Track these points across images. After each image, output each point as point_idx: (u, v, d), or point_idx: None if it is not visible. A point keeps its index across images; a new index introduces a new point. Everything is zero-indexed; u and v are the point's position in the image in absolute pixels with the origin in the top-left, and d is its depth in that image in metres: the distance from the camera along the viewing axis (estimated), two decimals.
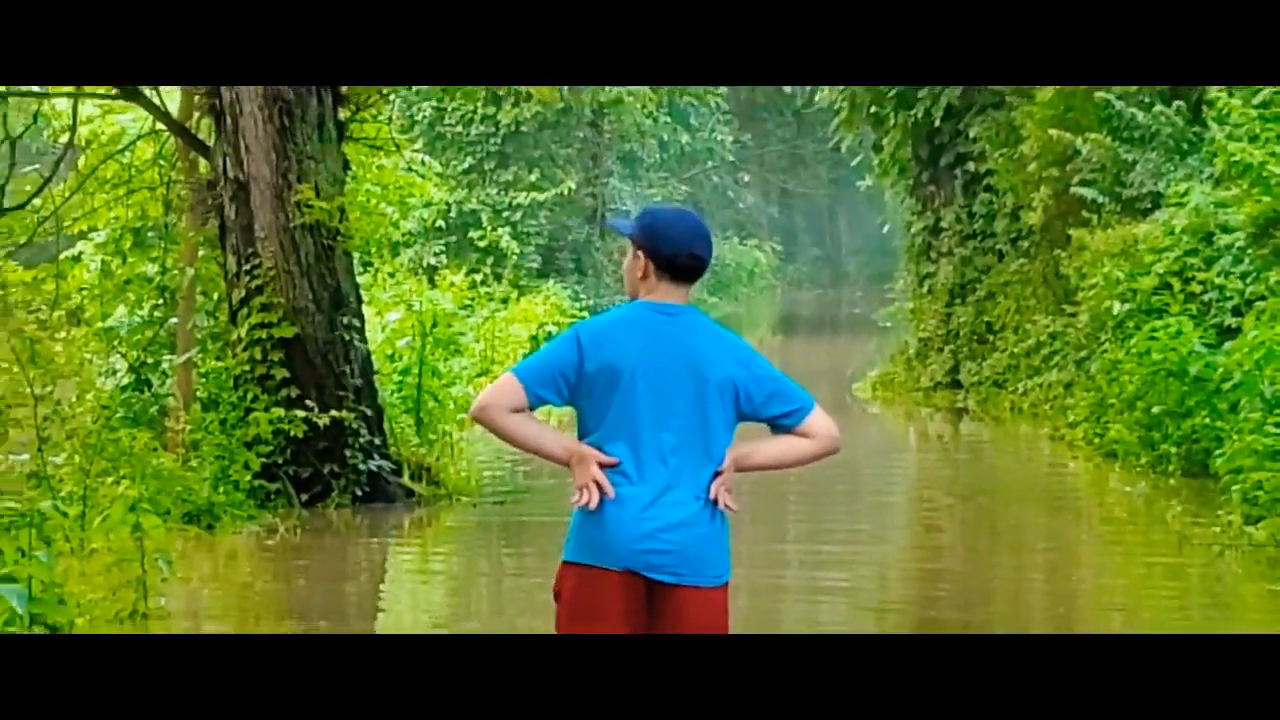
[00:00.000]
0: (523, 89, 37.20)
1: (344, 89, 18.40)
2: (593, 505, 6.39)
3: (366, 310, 20.08)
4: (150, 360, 19.95)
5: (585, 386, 6.51)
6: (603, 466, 6.43)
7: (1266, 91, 20.14)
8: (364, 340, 18.74)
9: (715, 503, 6.48)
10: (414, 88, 30.70)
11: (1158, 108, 23.66)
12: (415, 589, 16.15)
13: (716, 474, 6.49)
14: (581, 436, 6.59)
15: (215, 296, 19.20)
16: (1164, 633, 11.14)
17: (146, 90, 18.55)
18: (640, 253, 6.63)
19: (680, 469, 6.48)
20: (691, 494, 6.46)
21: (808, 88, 37.39)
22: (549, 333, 32.25)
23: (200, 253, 19.20)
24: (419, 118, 42.60)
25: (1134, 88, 23.65)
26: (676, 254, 6.55)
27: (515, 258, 42.41)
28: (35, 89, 19.58)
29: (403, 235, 31.48)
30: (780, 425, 6.64)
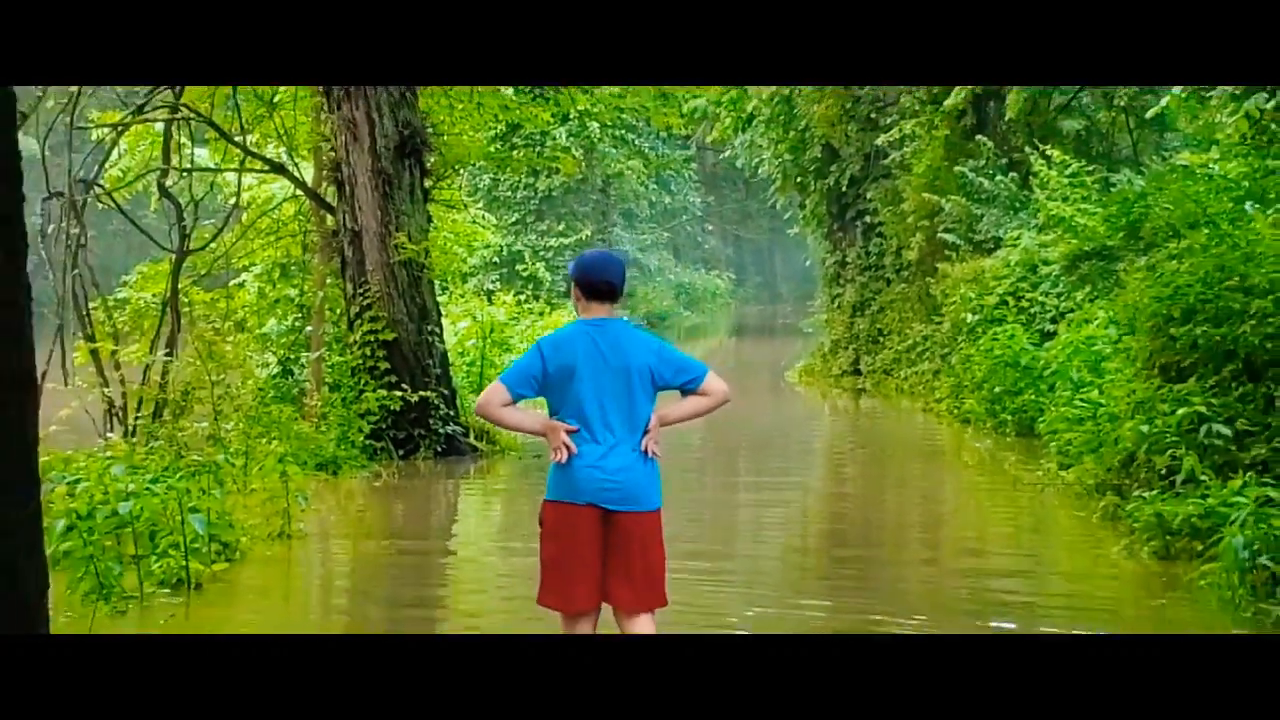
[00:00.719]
0: (552, 165, 43.74)
1: (429, 164, 22.35)
2: (563, 460, 8.61)
3: (444, 321, 23.87)
4: (292, 356, 23.74)
5: (549, 382, 8.72)
6: (567, 433, 8.58)
7: (1075, 165, 24.66)
8: (442, 342, 22.72)
9: (646, 453, 8.64)
10: (478, 163, 33.67)
11: (998, 177, 27.94)
12: (478, 514, 19.50)
13: (645, 432, 8.65)
14: (551, 415, 8.77)
15: (338, 311, 22.53)
16: (1153, 632, 11.22)
17: (289, 166, 22.48)
18: (574, 285, 8.84)
19: (619, 432, 8.63)
20: (628, 448, 8.62)
21: (756, 163, 40.16)
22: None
23: (327, 281, 22.76)
24: (480, 185, 51.02)
25: (984, 161, 28.21)
26: (592, 283, 8.77)
27: (547, 283, 50.93)
28: (210, 166, 23.70)
29: (469, 268, 37.66)
30: (687, 389, 8.84)
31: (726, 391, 8.88)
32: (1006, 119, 28.40)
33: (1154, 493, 14.60)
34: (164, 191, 22.67)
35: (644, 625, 8.70)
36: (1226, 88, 12.61)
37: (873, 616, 12.57)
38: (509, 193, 55.23)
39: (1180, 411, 14.95)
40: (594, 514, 8.61)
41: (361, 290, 21.71)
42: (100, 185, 21.53)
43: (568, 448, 8.59)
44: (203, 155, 25.38)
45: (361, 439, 20.91)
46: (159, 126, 23.04)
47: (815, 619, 12.55)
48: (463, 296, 34.37)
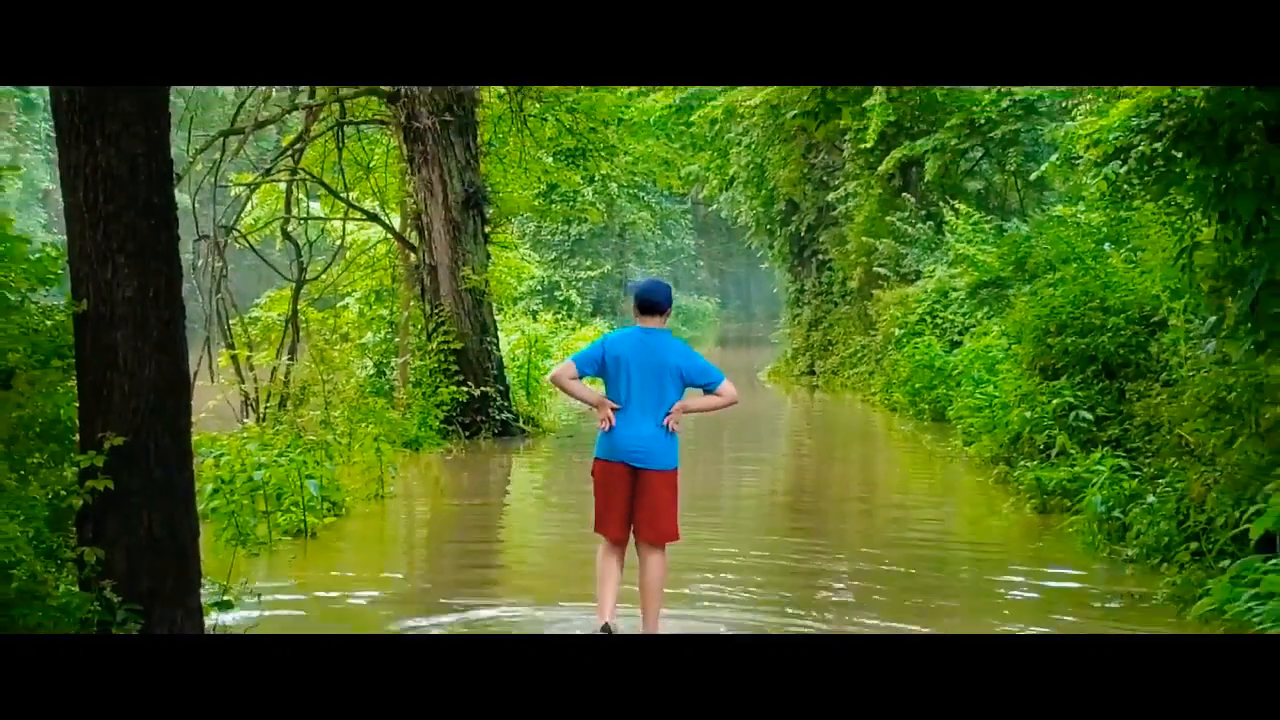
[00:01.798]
0: (582, 215, 44.65)
1: (488, 214, 22.66)
2: (606, 429, 8.96)
3: (499, 333, 23.90)
4: (384, 361, 23.71)
5: (605, 368, 9.02)
6: (611, 409, 8.93)
7: (976, 216, 25.10)
8: (498, 349, 22.82)
9: (667, 428, 8.87)
10: (525, 213, 34.28)
11: (919, 225, 28.00)
12: (527, 479, 19.64)
13: (668, 414, 8.91)
14: (606, 393, 9.03)
15: (419, 327, 22.37)
16: (1158, 633, 10.46)
17: (382, 215, 22.97)
18: (632, 301, 9.27)
19: (649, 411, 8.93)
20: (654, 423, 8.90)
21: (736, 214, 40.59)
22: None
23: (410, 303, 22.72)
24: (527, 230, 50.69)
25: (908, 212, 28.26)
26: (640, 300, 9.18)
27: (578, 306, 50.93)
28: (321, 215, 24.21)
29: (518, 294, 37.24)
30: (706, 389, 9.12)
31: (736, 395, 9.25)
32: (925, 180, 28.46)
33: (1034, 463, 14.75)
34: (286, 235, 22.71)
35: (656, 557, 9.03)
36: (1091, 158, 12.63)
37: (821, 540, 13.72)
38: (549, 236, 55.12)
39: (1055, 401, 15.08)
40: (625, 470, 8.95)
41: (436, 310, 21.72)
42: (237, 230, 21.56)
43: (609, 420, 8.93)
44: (315, 207, 25.45)
45: (437, 423, 20.91)
46: (282, 185, 23.10)
47: (780, 546, 13.26)
48: (514, 316, 34.37)
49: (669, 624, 9.28)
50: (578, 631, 9.40)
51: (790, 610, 10.29)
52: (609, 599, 8.97)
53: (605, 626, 8.86)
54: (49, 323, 7.85)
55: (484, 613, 10.33)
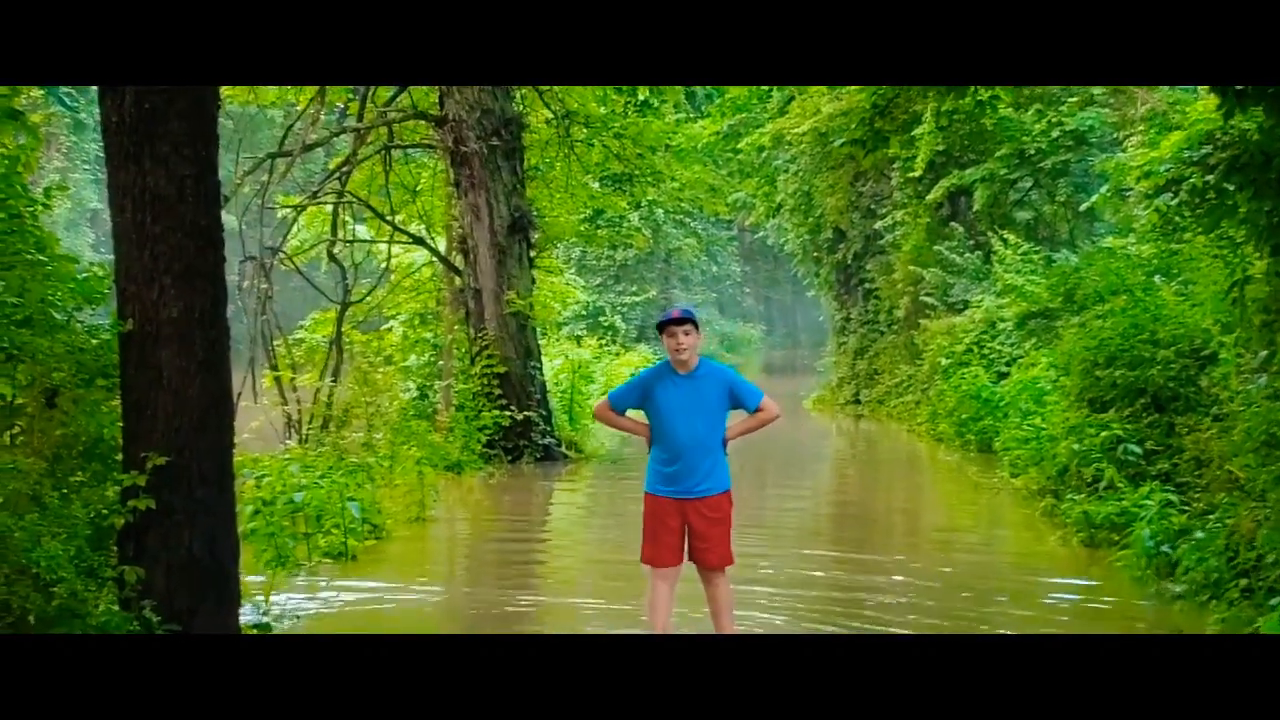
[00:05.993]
0: (627, 241, 44.72)
1: (533, 239, 22.78)
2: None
3: (543, 358, 23.88)
4: (428, 384, 23.87)
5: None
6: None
7: (1025, 246, 24.80)
8: (542, 374, 22.78)
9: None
10: (571, 239, 34.32)
11: (967, 254, 27.87)
12: (567, 503, 19.47)
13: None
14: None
15: (463, 350, 22.46)
16: (1163, 633, 10.42)
17: (427, 239, 23.30)
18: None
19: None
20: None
21: (783, 241, 40.57)
22: (637, 369, 37.07)
23: (455, 327, 22.81)
24: (572, 255, 50.94)
25: (956, 242, 28.17)
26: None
27: (622, 331, 50.78)
28: (367, 238, 24.61)
29: (563, 319, 37.52)
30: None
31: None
32: (974, 210, 28.38)
33: (1082, 496, 14.61)
34: (332, 257, 22.86)
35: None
36: (1142, 190, 12.59)
37: (860, 555, 13.83)
38: (594, 261, 55.23)
39: (1103, 434, 14.94)
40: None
41: (481, 334, 21.75)
42: (283, 252, 21.71)
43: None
44: (361, 230, 25.59)
45: (480, 447, 20.93)
46: (329, 208, 23.24)
47: (824, 557, 13.75)
48: (558, 340, 34.33)
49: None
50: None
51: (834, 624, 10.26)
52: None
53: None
54: (94, 342, 7.92)
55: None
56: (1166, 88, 21.34)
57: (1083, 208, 25.26)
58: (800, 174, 34.45)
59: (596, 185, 31.14)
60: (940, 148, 26.94)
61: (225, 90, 16.09)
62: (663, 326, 8.89)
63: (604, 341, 40.62)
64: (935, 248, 28.71)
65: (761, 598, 11.41)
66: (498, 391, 21.41)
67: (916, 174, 27.35)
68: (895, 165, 29.56)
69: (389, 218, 23.20)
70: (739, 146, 33.30)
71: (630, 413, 9.16)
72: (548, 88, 23.50)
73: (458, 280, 22.69)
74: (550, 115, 24.78)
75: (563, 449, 22.63)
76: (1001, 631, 10.56)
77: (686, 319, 8.83)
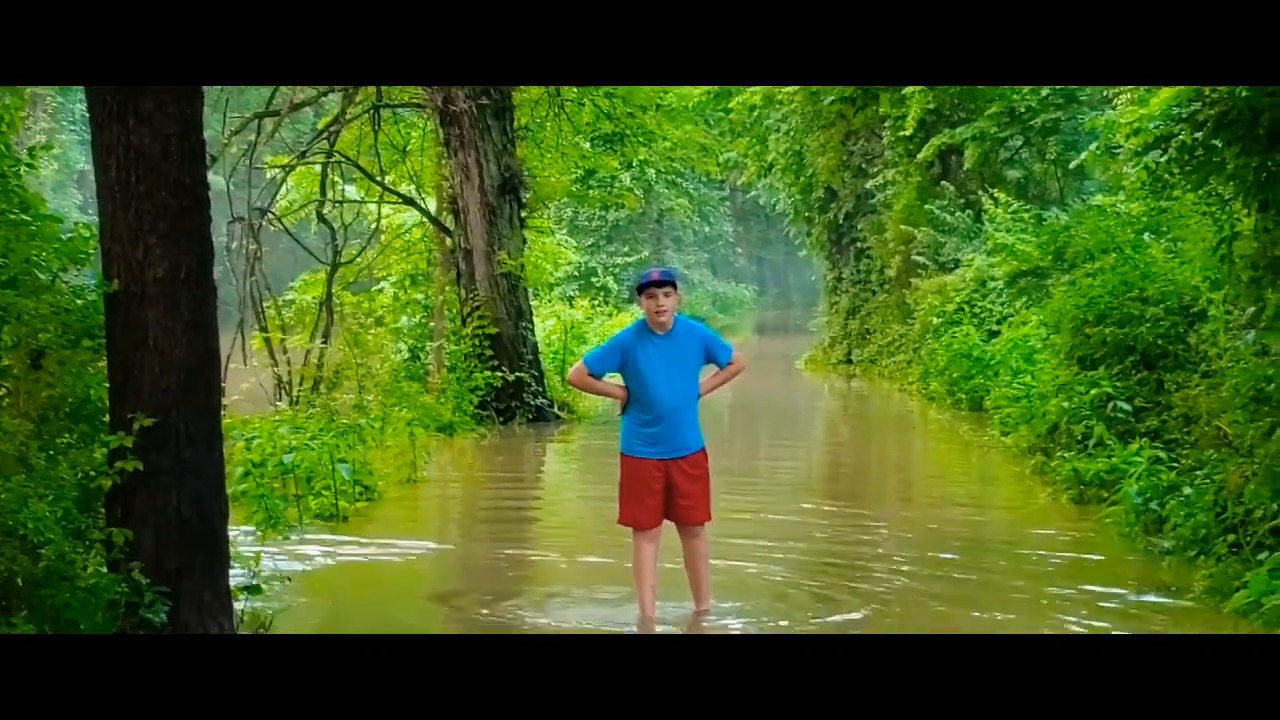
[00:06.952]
0: (619, 201, 44.52)
1: (524, 199, 22.63)
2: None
3: (535, 319, 23.94)
4: (419, 345, 23.73)
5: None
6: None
7: (1016, 205, 24.74)
8: (533, 335, 22.84)
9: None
10: (562, 199, 34.34)
11: (958, 213, 27.87)
12: (559, 464, 19.77)
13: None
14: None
15: (454, 311, 22.43)
16: (1162, 634, 9.79)
17: (418, 199, 23.14)
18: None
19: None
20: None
21: (775, 201, 40.43)
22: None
23: (446, 288, 22.80)
24: (564, 216, 49.93)
25: (947, 201, 28.13)
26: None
27: (615, 292, 49.95)
28: (357, 199, 24.43)
29: (555, 279, 36.96)
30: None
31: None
32: (965, 168, 28.37)
33: (1072, 453, 14.63)
34: (321, 218, 22.83)
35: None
36: (1131, 147, 12.59)
37: (855, 510, 14.11)
38: (586, 222, 54.92)
39: (1092, 392, 14.97)
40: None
41: (472, 295, 21.75)
42: (272, 212, 21.68)
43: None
44: (351, 190, 25.52)
45: (471, 408, 20.91)
46: (318, 168, 23.17)
47: (819, 511, 14.26)
48: (550, 301, 34.39)
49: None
50: (619, 621, 9.43)
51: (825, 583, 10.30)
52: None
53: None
54: (80, 302, 7.89)
55: (513, 601, 10.31)
56: None
57: (1072, 165, 25.20)
58: (791, 133, 34.39)
59: (587, 145, 31.05)
60: (930, 106, 26.92)
61: None
62: (642, 288, 8.90)
63: (596, 302, 40.63)
64: (926, 206, 28.70)
65: (759, 550, 11.46)
66: (489, 352, 21.36)
67: (907, 132, 27.34)
68: (886, 124, 29.54)
69: (378, 178, 23.14)
70: (730, 106, 33.27)
71: (607, 376, 9.18)
72: None
73: (448, 241, 22.63)
74: None
75: (555, 410, 22.63)
76: (992, 580, 10.60)
77: (667, 281, 8.84)
